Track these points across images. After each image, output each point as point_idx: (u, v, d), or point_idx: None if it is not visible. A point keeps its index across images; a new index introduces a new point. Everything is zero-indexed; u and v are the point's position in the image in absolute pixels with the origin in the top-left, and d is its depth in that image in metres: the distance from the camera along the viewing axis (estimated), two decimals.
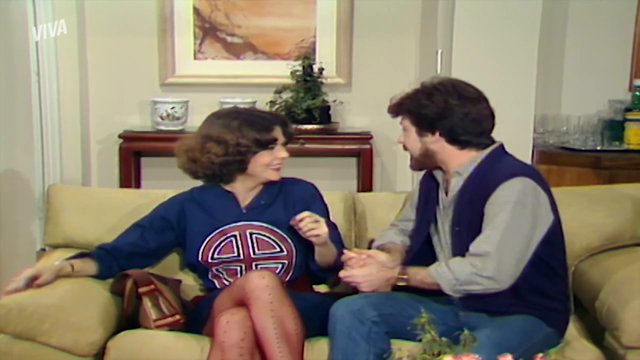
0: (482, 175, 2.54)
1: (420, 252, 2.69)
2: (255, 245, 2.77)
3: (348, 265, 2.60)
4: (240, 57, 4.54)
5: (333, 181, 4.50)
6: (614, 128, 4.16)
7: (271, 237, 2.78)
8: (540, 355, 1.77)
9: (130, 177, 4.31)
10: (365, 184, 4.27)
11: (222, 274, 2.80)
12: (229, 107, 3.05)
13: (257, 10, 4.49)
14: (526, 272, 2.48)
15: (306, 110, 4.25)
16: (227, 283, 2.77)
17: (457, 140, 2.57)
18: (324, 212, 2.85)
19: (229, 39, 4.52)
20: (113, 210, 3.02)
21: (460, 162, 2.58)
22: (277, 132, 2.77)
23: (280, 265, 2.79)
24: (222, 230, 2.78)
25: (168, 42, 4.46)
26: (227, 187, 2.84)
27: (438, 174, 2.69)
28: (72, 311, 2.50)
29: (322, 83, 4.34)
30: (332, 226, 2.87)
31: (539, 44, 3.81)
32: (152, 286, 2.66)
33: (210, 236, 2.78)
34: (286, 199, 2.84)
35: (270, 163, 2.77)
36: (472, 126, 2.56)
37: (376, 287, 2.57)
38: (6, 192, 3.73)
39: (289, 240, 2.77)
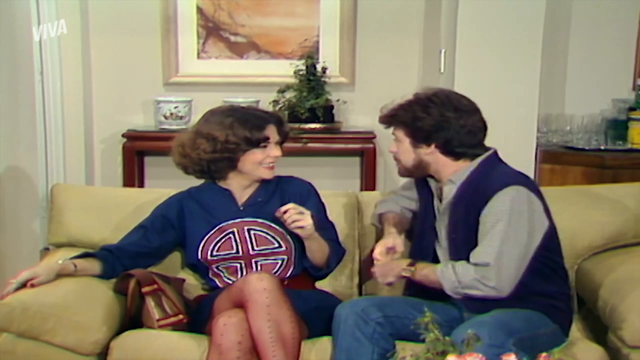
0: (476, 183, 2.55)
1: (425, 254, 2.70)
2: (253, 241, 2.77)
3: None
4: (244, 57, 4.54)
5: (336, 180, 4.50)
6: (618, 127, 4.16)
7: (269, 233, 2.78)
8: (544, 354, 1.77)
9: (133, 176, 4.32)
10: (369, 183, 4.27)
11: (222, 272, 2.81)
12: (227, 105, 3.05)
13: (260, 10, 4.49)
14: (527, 278, 2.49)
15: (309, 110, 4.25)
16: (228, 281, 2.78)
17: (452, 152, 2.58)
18: (319, 210, 2.85)
19: (232, 38, 4.53)
20: (116, 210, 3.02)
21: (454, 171, 2.60)
22: (270, 131, 2.77)
23: (279, 261, 2.79)
24: (220, 228, 2.79)
25: (171, 41, 4.47)
26: (224, 185, 2.84)
27: (431, 182, 2.71)
28: (75, 310, 2.49)
29: (325, 82, 4.35)
30: (328, 225, 2.87)
31: (543, 43, 3.81)
32: (155, 286, 2.66)
33: (209, 234, 2.79)
34: (282, 196, 2.84)
35: (263, 161, 2.77)
36: (467, 138, 2.57)
37: (387, 277, 2.64)
38: (10, 191, 3.73)
39: (287, 236, 2.77)
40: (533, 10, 3.77)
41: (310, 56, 4.38)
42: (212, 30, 4.51)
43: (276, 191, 2.86)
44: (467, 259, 2.49)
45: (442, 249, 2.66)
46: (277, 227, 2.78)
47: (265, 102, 4.30)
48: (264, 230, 2.79)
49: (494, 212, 2.47)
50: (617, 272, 2.77)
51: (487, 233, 2.46)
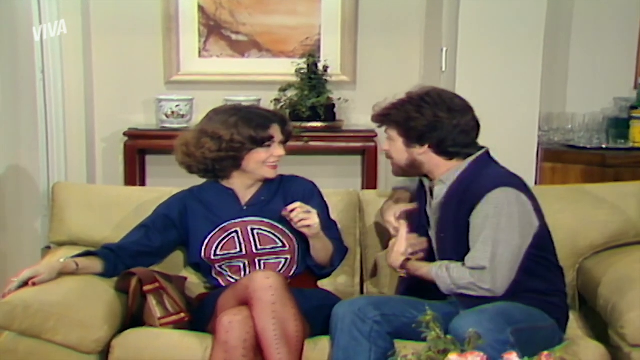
0: (466, 184, 2.55)
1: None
2: (257, 240, 2.77)
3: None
4: (245, 55, 4.54)
5: (337, 179, 4.50)
6: (619, 126, 4.16)
7: (273, 232, 2.78)
8: (546, 352, 1.77)
9: (135, 174, 4.32)
10: (370, 181, 4.27)
11: (225, 271, 2.81)
12: (230, 104, 3.05)
13: (261, 8, 4.49)
14: (519, 277, 2.50)
15: (311, 108, 4.25)
16: (231, 280, 2.78)
17: (446, 151, 2.58)
18: (322, 209, 2.85)
19: (233, 36, 4.53)
20: (118, 208, 3.02)
21: (447, 170, 2.60)
22: (274, 130, 2.77)
23: (283, 261, 2.79)
24: (223, 227, 2.79)
25: (173, 40, 4.47)
26: (227, 184, 2.84)
27: (425, 181, 2.71)
28: (77, 309, 2.50)
29: (326, 81, 4.35)
30: (332, 224, 2.87)
31: (544, 41, 3.80)
32: (157, 284, 2.66)
33: (212, 233, 2.79)
34: (285, 195, 2.84)
35: (266, 160, 2.77)
36: (460, 137, 2.57)
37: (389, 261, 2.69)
38: (11, 190, 3.73)
39: (291, 235, 2.77)
40: (534, 9, 3.76)
41: (312, 55, 4.38)
42: (213, 28, 4.51)
43: (279, 190, 2.86)
44: (454, 259, 2.51)
45: (436, 249, 2.67)
46: (280, 226, 2.78)
47: (267, 100, 4.30)
48: (268, 229, 2.79)
49: (484, 214, 2.47)
50: (619, 271, 2.78)
51: (479, 236, 2.47)
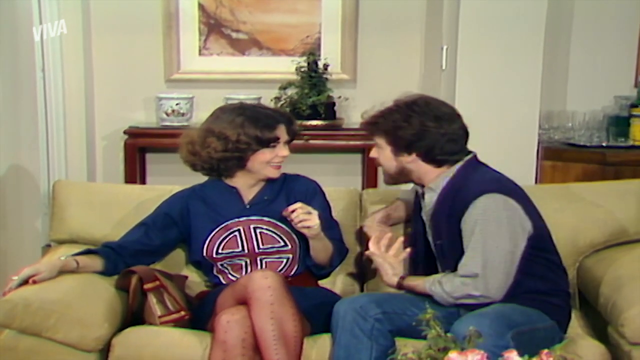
0: (454, 190, 2.55)
1: (423, 259, 2.71)
2: (259, 239, 2.77)
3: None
4: (245, 53, 4.54)
5: (338, 177, 4.50)
6: (620, 124, 4.16)
7: (275, 231, 2.78)
8: (546, 350, 1.77)
9: (135, 173, 4.32)
10: (370, 180, 4.27)
11: (227, 269, 2.81)
12: (236, 103, 3.04)
13: (262, 7, 4.49)
14: (519, 278, 2.50)
15: (311, 107, 4.25)
16: (232, 278, 2.78)
17: (434, 159, 2.59)
18: (324, 208, 2.85)
19: (234, 35, 4.52)
20: (118, 206, 3.02)
21: (434, 177, 2.60)
22: (281, 131, 2.77)
23: (285, 260, 2.79)
24: (225, 226, 2.79)
25: (173, 38, 4.47)
26: (230, 183, 2.84)
27: (418, 187, 2.72)
28: (77, 307, 2.50)
29: (327, 79, 4.35)
30: (333, 224, 2.87)
31: (545, 40, 3.80)
32: (157, 282, 2.66)
33: (215, 231, 2.79)
34: (288, 194, 2.84)
35: (271, 161, 2.77)
36: (448, 146, 2.57)
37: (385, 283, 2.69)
38: (12, 188, 3.74)
39: (293, 235, 2.77)
40: (535, 7, 3.76)
41: (312, 53, 4.38)
42: (213, 27, 4.51)
43: (282, 189, 2.86)
44: (456, 265, 2.51)
45: (437, 256, 2.67)
46: (283, 225, 2.78)
47: (267, 99, 4.30)
48: (270, 228, 2.79)
49: (472, 221, 2.47)
50: (619, 269, 2.78)
51: (469, 243, 2.48)
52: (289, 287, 2.54)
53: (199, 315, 2.69)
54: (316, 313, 2.61)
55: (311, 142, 4.19)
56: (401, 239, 2.72)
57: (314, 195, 2.87)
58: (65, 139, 4.31)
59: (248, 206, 2.83)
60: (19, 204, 3.81)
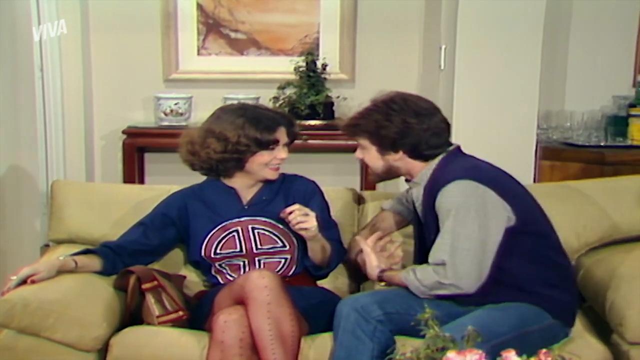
0: (433, 182, 2.55)
1: (425, 256, 2.71)
2: (257, 240, 2.77)
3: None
4: (244, 53, 4.55)
5: (336, 177, 4.50)
6: (618, 124, 4.16)
7: (273, 232, 2.78)
8: (544, 350, 1.77)
9: (133, 172, 4.32)
10: (369, 180, 4.27)
11: (225, 269, 2.81)
12: (238, 103, 3.04)
13: (260, 6, 4.50)
14: (527, 267, 2.49)
15: (309, 106, 4.26)
16: (230, 278, 2.78)
17: (421, 155, 2.59)
18: (323, 208, 2.85)
19: (232, 34, 4.53)
20: (117, 206, 3.02)
21: (419, 171, 2.61)
22: (281, 133, 2.76)
23: (283, 260, 2.79)
24: (224, 226, 2.79)
25: (171, 38, 4.48)
26: (228, 183, 2.84)
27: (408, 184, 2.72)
28: (76, 306, 2.49)
29: (325, 79, 4.35)
30: (332, 225, 2.87)
31: (543, 39, 3.80)
32: (155, 282, 2.66)
33: (213, 231, 2.78)
34: (287, 194, 2.84)
35: (269, 163, 2.76)
36: (433, 140, 2.57)
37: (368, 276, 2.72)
38: (10, 188, 3.73)
39: (291, 235, 2.77)
40: (533, 7, 3.76)
41: (311, 53, 4.39)
42: (212, 26, 4.51)
43: (281, 190, 2.86)
44: None
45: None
46: (281, 226, 2.77)
47: (266, 98, 4.30)
48: (268, 229, 2.79)
49: (441, 209, 2.47)
50: (617, 269, 2.77)
51: (440, 230, 2.47)
52: (286, 286, 2.54)
53: (197, 315, 2.69)
54: (314, 313, 2.61)
55: (310, 141, 4.19)
56: (400, 251, 2.74)
57: (312, 195, 2.86)
58: (63, 138, 4.31)
59: (246, 207, 2.83)
60: (18, 203, 3.81)
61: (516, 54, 3.79)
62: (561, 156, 4.04)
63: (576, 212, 3.01)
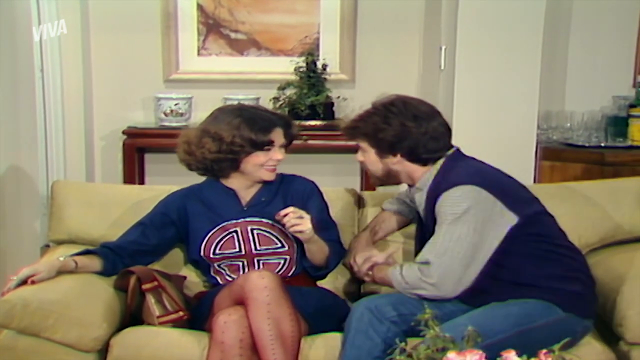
0: (436, 187, 2.55)
1: None
2: (256, 240, 2.77)
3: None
4: (244, 54, 4.55)
5: (336, 178, 4.50)
6: (618, 124, 4.16)
7: (272, 232, 2.78)
8: (544, 351, 1.77)
9: (134, 173, 4.32)
10: (369, 180, 4.26)
11: (224, 270, 2.81)
12: (236, 104, 3.04)
13: (260, 7, 4.50)
14: (527, 262, 2.48)
15: (310, 107, 4.26)
16: (229, 279, 2.78)
17: (419, 158, 2.58)
18: (322, 209, 2.85)
19: (232, 35, 4.53)
20: (117, 206, 3.02)
21: (421, 176, 2.61)
22: (276, 134, 2.76)
23: (282, 261, 2.79)
24: (223, 227, 2.79)
25: (172, 38, 4.48)
26: (227, 184, 2.84)
27: (409, 189, 2.72)
28: (76, 307, 2.49)
29: (325, 79, 4.35)
30: (331, 225, 2.87)
31: (543, 40, 3.81)
32: (156, 283, 2.66)
33: (212, 232, 2.78)
34: (285, 195, 2.84)
35: (265, 164, 2.76)
36: (431, 144, 2.57)
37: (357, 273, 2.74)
38: (10, 188, 3.73)
39: (290, 236, 2.76)
40: (533, 7, 3.77)
41: (311, 53, 4.39)
42: (212, 27, 4.51)
43: (279, 190, 2.86)
44: None
45: None
46: (280, 226, 2.77)
47: (266, 99, 4.31)
48: (267, 230, 2.79)
49: (440, 212, 2.47)
50: (617, 269, 2.77)
51: (435, 232, 2.47)
52: (286, 287, 2.54)
53: (197, 315, 2.69)
54: (314, 313, 2.61)
55: (309, 142, 4.19)
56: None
57: (311, 195, 2.86)
58: (63, 139, 4.31)
59: (245, 208, 2.82)
60: (18, 204, 3.81)
61: (516, 54, 3.80)
62: (561, 157, 4.04)
63: (577, 213, 3.00)
